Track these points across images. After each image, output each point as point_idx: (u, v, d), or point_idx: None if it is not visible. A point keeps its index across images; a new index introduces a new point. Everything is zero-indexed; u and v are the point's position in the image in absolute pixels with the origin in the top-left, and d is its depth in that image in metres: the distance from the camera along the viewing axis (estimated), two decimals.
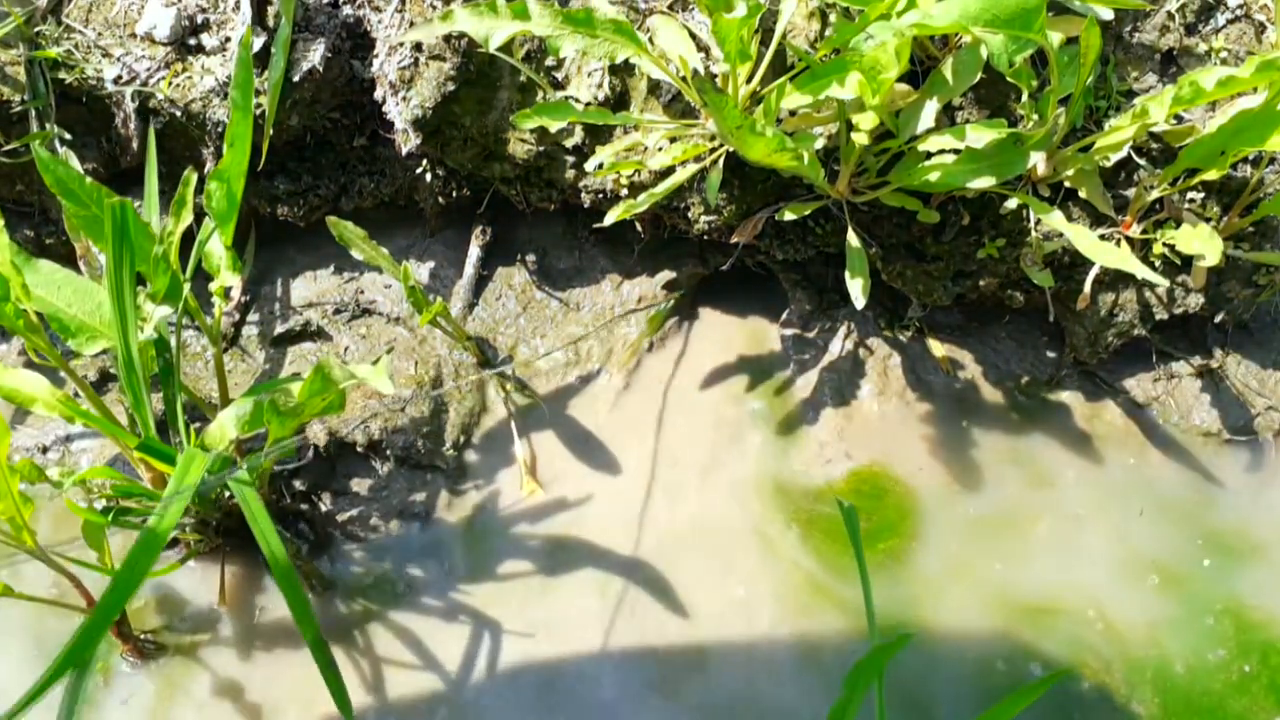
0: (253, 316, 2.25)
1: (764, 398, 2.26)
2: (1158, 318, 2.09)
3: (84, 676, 1.39)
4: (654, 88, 1.98)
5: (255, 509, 1.45)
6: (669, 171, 2.02)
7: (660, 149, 1.98)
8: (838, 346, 2.30)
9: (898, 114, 1.81)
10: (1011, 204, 1.98)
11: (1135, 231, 1.97)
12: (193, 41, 1.98)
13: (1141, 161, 1.97)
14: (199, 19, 1.97)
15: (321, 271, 2.30)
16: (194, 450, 1.50)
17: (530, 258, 2.35)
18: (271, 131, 1.93)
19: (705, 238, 2.21)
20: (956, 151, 1.79)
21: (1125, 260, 1.75)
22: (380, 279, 2.29)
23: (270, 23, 1.95)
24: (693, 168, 1.98)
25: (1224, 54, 1.94)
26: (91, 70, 1.95)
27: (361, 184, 2.22)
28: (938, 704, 1.82)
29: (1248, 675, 1.86)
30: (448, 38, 1.91)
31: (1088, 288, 2.00)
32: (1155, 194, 1.93)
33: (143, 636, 1.85)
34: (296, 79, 1.93)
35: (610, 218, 1.98)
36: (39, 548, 1.61)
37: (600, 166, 2.00)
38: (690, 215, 2.12)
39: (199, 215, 1.98)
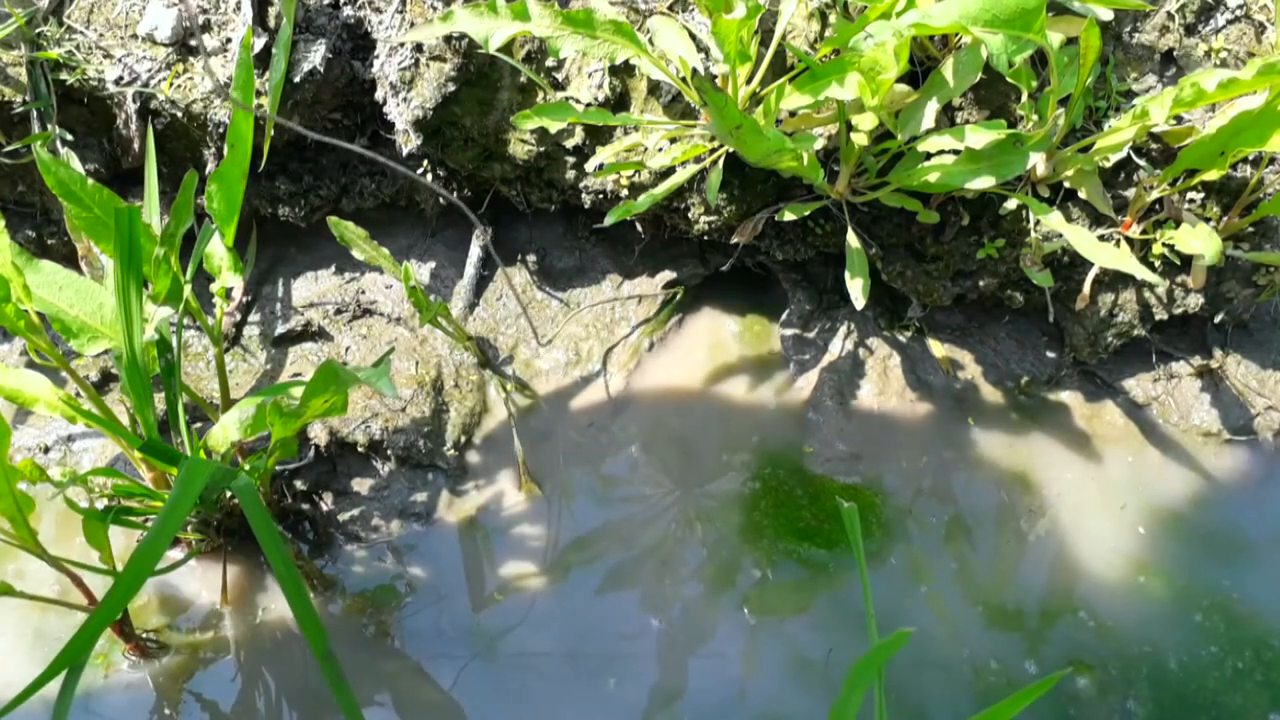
0: (254, 317, 2.26)
1: (764, 397, 2.26)
2: (1157, 318, 2.09)
3: (77, 674, 1.40)
4: (654, 88, 1.99)
5: (258, 518, 1.45)
6: (669, 172, 2.02)
7: (660, 150, 1.98)
8: (838, 346, 2.30)
9: (897, 114, 1.81)
10: (1011, 204, 1.98)
11: (1135, 232, 1.97)
12: (194, 42, 1.98)
13: (1141, 162, 1.97)
14: (200, 20, 1.97)
15: (323, 272, 2.31)
16: (198, 459, 1.50)
17: (531, 258, 2.35)
18: (272, 132, 1.94)
19: (705, 238, 2.21)
20: (956, 152, 1.80)
21: (1124, 260, 1.75)
22: (381, 279, 2.29)
23: (271, 24, 1.96)
24: (693, 168, 1.98)
25: (1224, 55, 1.94)
26: (93, 71, 1.96)
27: (362, 184, 2.22)
28: (933, 705, 1.82)
29: (1240, 672, 1.86)
30: (448, 39, 1.92)
31: (1087, 288, 2.01)
32: (1155, 194, 1.93)
33: (144, 635, 1.86)
34: (297, 80, 1.94)
35: (610, 218, 1.98)
36: (40, 547, 1.62)
37: (600, 167, 2.00)
38: (690, 216, 2.13)
39: (200, 216, 1.98)
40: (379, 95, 2.03)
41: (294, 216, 2.21)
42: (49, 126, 1.99)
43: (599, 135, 2.05)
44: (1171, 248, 1.96)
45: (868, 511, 2.07)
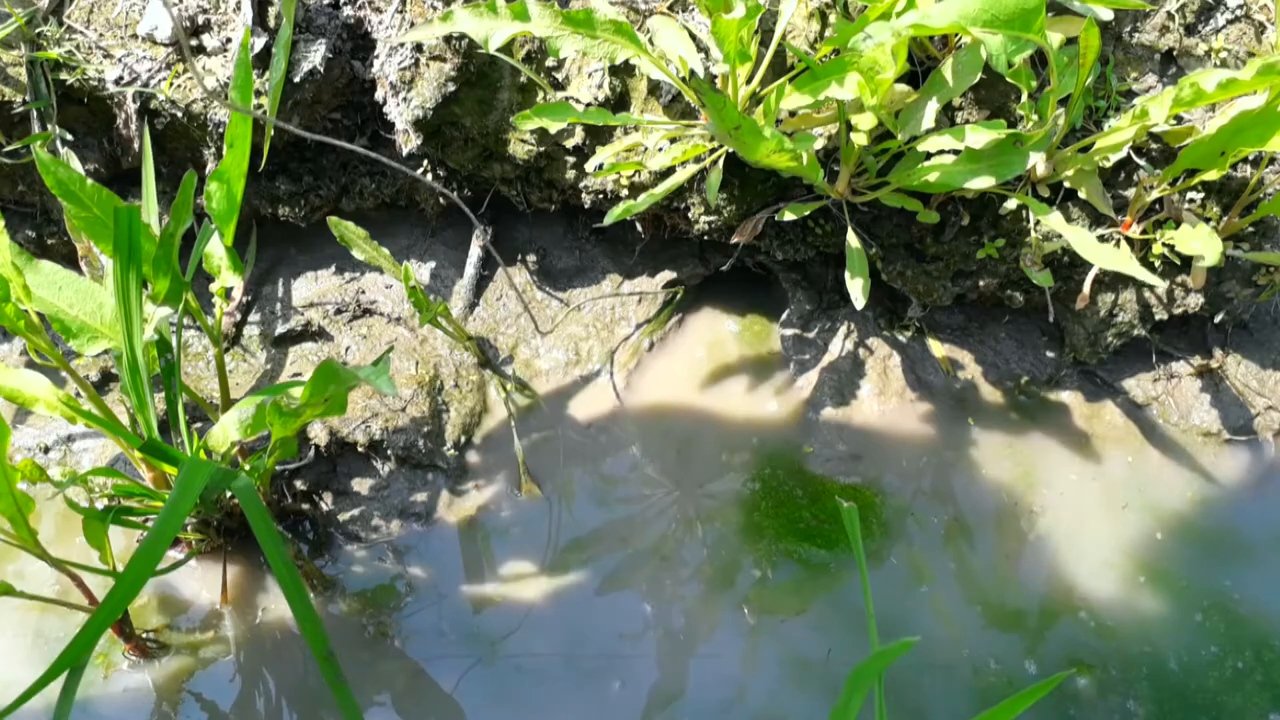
0: (254, 316, 2.26)
1: (764, 397, 2.26)
2: (1157, 318, 2.09)
3: (78, 675, 1.40)
4: (654, 88, 1.99)
5: (258, 518, 1.45)
6: (669, 172, 2.02)
7: (660, 150, 1.98)
8: (838, 346, 2.30)
9: (897, 114, 1.81)
10: (1011, 204, 1.98)
11: (1135, 232, 1.97)
12: (194, 42, 1.98)
13: (1141, 162, 1.97)
14: (200, 20, 1.97)
15: (323, 272, 2.31)
16: (198, 459, 1.50)
17: (531, 258, 2.35)
18: (272, 132, 1.94)
19: (705, 238, 2.21)
20: (956, 152, 1.80)
21: (1123, 262, 1.75)
22: (381, 279, 2.29)
23: (271, 24, 1.96)
24: (692, 168, 1.98)
25: (1224, 54, 1.94)
26: (93, 71, 1.96)
27: (362, 184, 2.22)
28: (933, 705, 1.82)
29: (1241, 672, 1.86)
30: (448, 39, 1.92)
31: (1087, 288, 2.01)
32: (1155, 194, 1.93)
33: (145, 635, 1.86)
34: (297, 80, 1.94)
35: (610, 218, 1.98)
36: (40, 547, 1.62)
37: (600, 167, 2.00)
38: (690, 215, 2.13)
39: (200, 216, 1.98)
40: (379, 95, 2.03)
41: (294, 216, 2.21)
42: (49, 126, 1.99)
43: (599, 135, 2.05)
44: (1171, 248, 1.96)
45: (868, 511, 2.07)
